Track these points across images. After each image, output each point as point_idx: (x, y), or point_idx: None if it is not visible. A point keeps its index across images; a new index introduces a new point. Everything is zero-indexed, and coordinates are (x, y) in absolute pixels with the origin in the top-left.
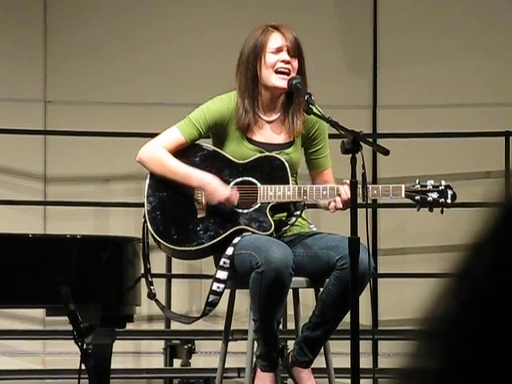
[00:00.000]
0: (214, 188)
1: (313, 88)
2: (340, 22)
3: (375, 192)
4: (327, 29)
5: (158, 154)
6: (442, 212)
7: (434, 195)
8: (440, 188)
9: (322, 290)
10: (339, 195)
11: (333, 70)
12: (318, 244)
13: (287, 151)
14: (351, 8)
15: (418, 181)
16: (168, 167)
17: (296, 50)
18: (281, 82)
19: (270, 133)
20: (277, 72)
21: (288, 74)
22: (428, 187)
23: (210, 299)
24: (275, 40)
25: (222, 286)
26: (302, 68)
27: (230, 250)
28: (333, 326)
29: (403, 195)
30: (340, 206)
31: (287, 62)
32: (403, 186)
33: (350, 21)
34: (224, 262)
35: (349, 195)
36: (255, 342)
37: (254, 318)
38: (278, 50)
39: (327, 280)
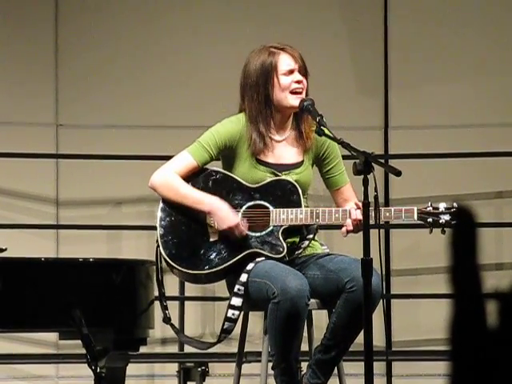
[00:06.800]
0: (224, 215)
1: (324, 109)
2: (351, 44)
3: (388, 214)
4: (338, 50)
5: (170, 180)
6: None
7: (447, 217)
8: (452, 210)
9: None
10: (350, 218)
11: (344, 92)
12: (329, 266)
13: (297, 171)
14: (362, 29)
15: (430, 203)
16: (180, 193)
17: (305, 69)
18: (297, 101)
19: (280, 152)
20: (292, 93)
21: (301, 93)
22: (440, 209)
23: (225, 326)
24: (285, 62)
25: (236, 312)
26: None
27: (244, 277)
28: (344, 349)
29: (416, 217)
30: (351, 228)
31: (300, 82)
32: (415, 209)
33: (361, 42)
34: (238, 289)
35: (359, 217)
36: (269, 365)
37: (271, 352)
38: (291, 72)
39: (338, 302)
